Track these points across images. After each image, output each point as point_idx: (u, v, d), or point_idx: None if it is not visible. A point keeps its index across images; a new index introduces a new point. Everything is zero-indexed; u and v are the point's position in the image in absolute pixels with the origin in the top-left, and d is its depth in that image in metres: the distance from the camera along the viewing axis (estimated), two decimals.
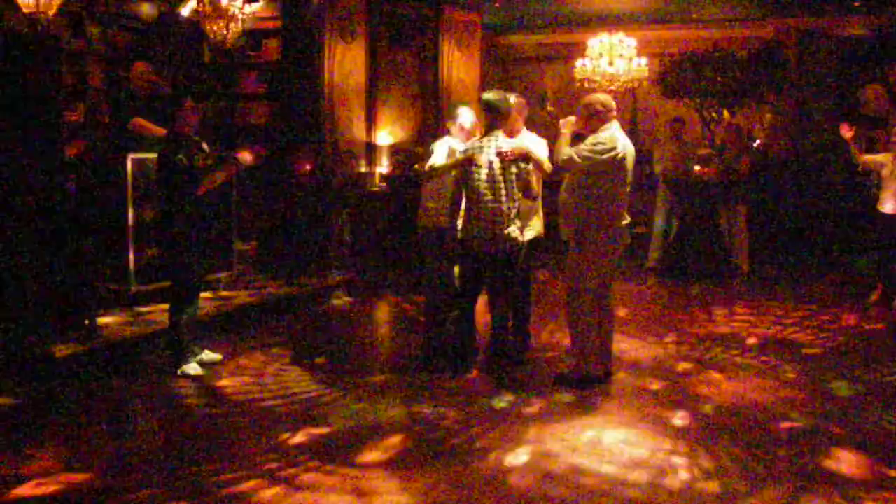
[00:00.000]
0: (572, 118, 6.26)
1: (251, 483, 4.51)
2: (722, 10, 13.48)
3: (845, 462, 4.83)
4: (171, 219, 6.33)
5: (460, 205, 6.30)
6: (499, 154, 6.13)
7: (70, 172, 7.22)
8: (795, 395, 6.06)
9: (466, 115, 6.76)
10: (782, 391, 6.14)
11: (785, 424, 5.43)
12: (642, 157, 12.06)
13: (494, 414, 5.64)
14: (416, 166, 10.10)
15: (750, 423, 5.49)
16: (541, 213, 6.72)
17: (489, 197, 6.15)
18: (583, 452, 4.96)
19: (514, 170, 6.17)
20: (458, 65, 12.19)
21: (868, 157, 9.22)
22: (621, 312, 8.30)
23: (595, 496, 4.41)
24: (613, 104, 6.25)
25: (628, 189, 6.18)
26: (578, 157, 5.98)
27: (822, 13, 13.04)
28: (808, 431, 5.33)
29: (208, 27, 8.72)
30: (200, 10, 8.68)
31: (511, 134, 6.49)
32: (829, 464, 4.81)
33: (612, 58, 12.41)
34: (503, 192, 6.15)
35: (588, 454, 4.94)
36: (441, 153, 6.64)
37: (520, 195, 6.24)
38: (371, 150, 11.08)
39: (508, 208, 6.17)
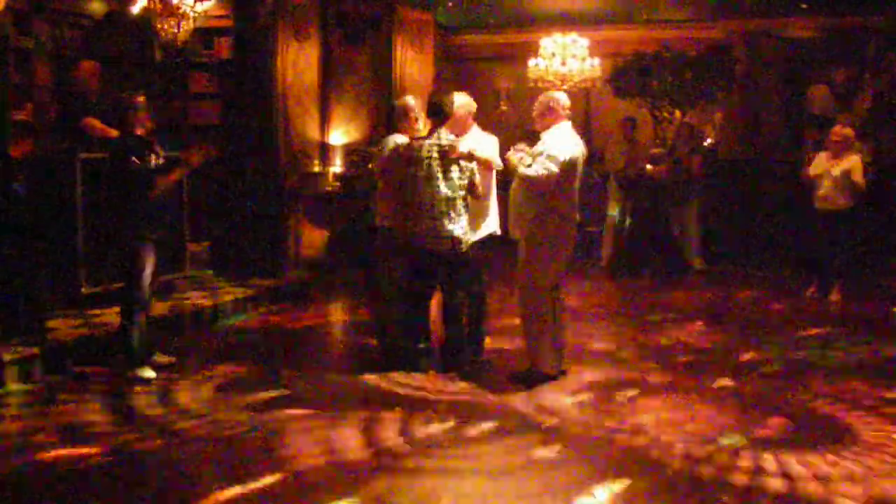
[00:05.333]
0: (521, 148, 6.24)
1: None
2: (673, 12, 13.64)
3: None
4: (123, 220, 6.25)
5: (403, 203, 6.32)
6: (441, 152, 6.16)
7: (18, 173, 7.10)
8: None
9: (409, 101, 6.80)
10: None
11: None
12: (595, 157, 12.23)
13: (447, 415, 5.64)
14: (370, 165, 10.08)
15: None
16: (494, 212, 6.73)
17: (427, 194, 6.18)
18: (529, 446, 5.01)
19: (455, 168, 6.20)
20: (412, 64, 12.19)
21: (810, 172, 9.34)
22: (575, 309, 8.37)
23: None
24: (568, 103, 6.30)
25: (577, 187, 6.24)
26: (555, 166, 5.96)
27: (770, 15, 13.25)
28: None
29: (159, 25, 8.63)
30: (151, 7, 8.58)
31: (460, 132, 6.50)
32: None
33: (565, 58, 12.50)
34: (442, 190, 6.18)
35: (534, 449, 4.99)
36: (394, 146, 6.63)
37: (463, 194, 6.26)
38: (325, 149, 11.04)
39: (448, 206, 6.19)
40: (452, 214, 6.20)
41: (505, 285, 8.43)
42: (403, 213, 6.35)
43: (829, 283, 9.31)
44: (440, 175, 6.19)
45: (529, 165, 6.03)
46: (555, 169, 5.96)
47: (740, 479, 4.56)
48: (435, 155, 6.19)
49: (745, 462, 4.77)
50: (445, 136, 6.28)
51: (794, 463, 4.74)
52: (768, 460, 4.78)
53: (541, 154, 6.04)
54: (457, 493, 4.44)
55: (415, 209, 6.25)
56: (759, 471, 4.66)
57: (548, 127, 6.19)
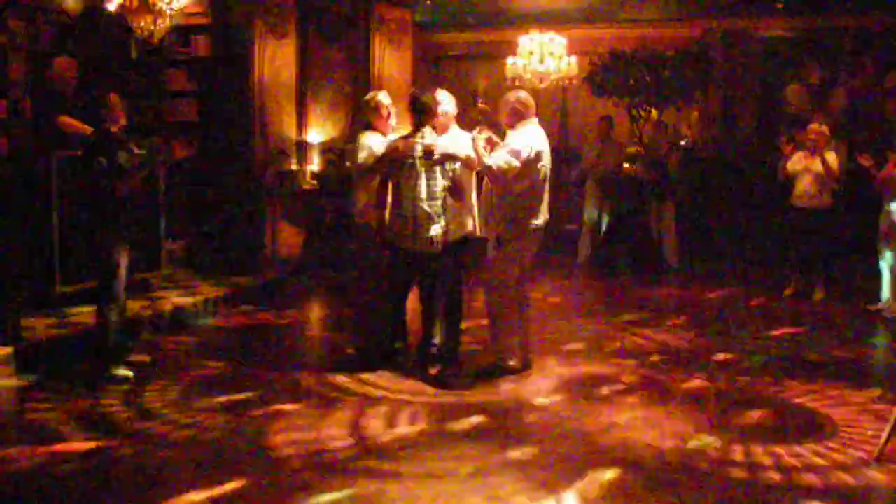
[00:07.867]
0: (483, 134, 6.26)
1: None
2: (650, 11, 13.70)
3: None
4: (96, 218, 6.21)
5: (386, 200, 6.31)
6: (425, 152, 6.14)
7: None
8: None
9: (383, 98, 6.74)
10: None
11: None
12: (572, 155, 12.27)
13: (422, 411, 5.67)
14: (349, 164, 10.06)
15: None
16: (473, 212, 6.72)
17: (411, 195, 6.16)
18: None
19: (438, 169, 6.19)
20: (390, 62, 12.18)
21: (787, 168, 9.37)
22: (553, 307, 8.42)
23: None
24: (532, 102, 6.36)
25: (546, 186, 6.27)
26: (516, 160, 6.01)
27: (746, 15, 13.35)
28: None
29: (135, 22, 8.57)
30: (127, 4, 8.53)
31: (441, 131, 6.49)
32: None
33: (543, 56, 12.50)
34: (424, 190, 6.16)
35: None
36: (372, 145, 6.53)
37: (444, 194, 6.25)
38: (302, 147, 11.02)
39: (430, 206, 6.17)
40: (432, 214, 6.18)
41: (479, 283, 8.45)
42: (384, 211, 6.33)
43: (811, 283, 9.36)
44: (422, 174, 6.18)
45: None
46: (515, 163, 6.01)
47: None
48: (419, 154, 6.17)
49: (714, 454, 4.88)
50: (430, 135, 6.26)
51: (760, 454, 4.90)
52: (737, 452, 4.94)
53: (505, 148, 6.12)
54: (435, 494, 4.46)
55: (396, 208, 6.24)
56: (725, 462, 4.81)
57: (514, 126, 6.26)
